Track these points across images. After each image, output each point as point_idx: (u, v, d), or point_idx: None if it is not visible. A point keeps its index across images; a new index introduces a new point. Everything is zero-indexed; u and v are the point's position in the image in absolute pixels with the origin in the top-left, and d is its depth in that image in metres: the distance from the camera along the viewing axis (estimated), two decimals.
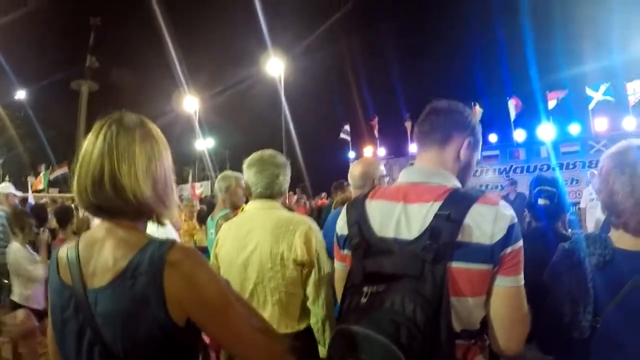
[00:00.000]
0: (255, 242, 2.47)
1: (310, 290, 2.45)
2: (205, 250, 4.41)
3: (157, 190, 1.35)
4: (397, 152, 20.52)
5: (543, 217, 2.91)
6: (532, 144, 16.56)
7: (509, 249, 1.40)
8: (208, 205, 8.19)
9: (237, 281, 2.50)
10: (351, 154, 21.38)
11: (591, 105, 15.54)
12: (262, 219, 2.55)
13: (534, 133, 16.56)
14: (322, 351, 2.46)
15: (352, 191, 3.24)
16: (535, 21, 27.19)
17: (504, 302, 1.43)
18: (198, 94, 27.87)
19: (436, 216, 1.41)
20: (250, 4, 22.32)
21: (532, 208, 3.00)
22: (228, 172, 4.50)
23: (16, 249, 4.75)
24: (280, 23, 25.77)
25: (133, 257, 1.25)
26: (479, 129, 1.72)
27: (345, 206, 1.72)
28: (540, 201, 2.91)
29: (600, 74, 17.41)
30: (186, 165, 33.61)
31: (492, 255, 1.38)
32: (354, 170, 3.19)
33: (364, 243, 1.52)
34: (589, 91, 15.64)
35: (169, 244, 1.26)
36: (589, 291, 1.63)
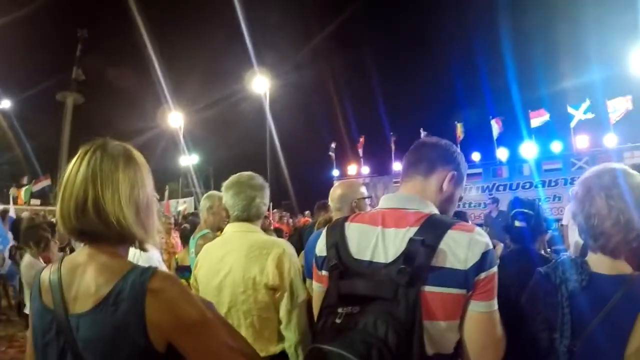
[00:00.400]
0: (229, 266, 2.46)
1: (282, 314, 2.41)
2: (188, 269, 4.38)
3: (139, 217, 1.38)
4: (381, 170, 20.58)
5: (520, 239, 2.91)
6: (514, 161, 16.69)
7: (483, 275, 1.41)
8: (191, 224, 8.12)
9: None
10: (335, 172, 21.36)
11: (573, 123, 15.72)
12: (237, 242, 2.54)
13: (517, 151, 16.71)
14: None
15: (332, 213, 3.20)
16: (517, 41, 27.56)
17: (477, 327, 1.44)
18: (183, 109, 27.78)
19: (411, 241, 1.43)
20: (236, 22, 22.34)
21: (510, 230, 2.98)
22: (213, 192, 4.46)
23: (28, 263, 4.79)
24: (265, 41, 25.95)
25: (115, 284, 1.26)
26: (464, 166, 1.77)
27: (325, 228, 1.75)
28: (517, 223, 2.91)
29: (581, 92, 17.66)
30: (170, 182, 33.40)
31: (466, 280, 1.40)
32: (333, 193, 3.18)
33: (340, 265, 1.53)
34: (570, 109, 15.83)
35: (150, 271, 1.28)
36: (565, 317, 1.62)
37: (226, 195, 2.67)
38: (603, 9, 21.27)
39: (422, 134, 19.02)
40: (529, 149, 16.16)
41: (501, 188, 16.51)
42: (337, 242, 1.60)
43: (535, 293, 1.79)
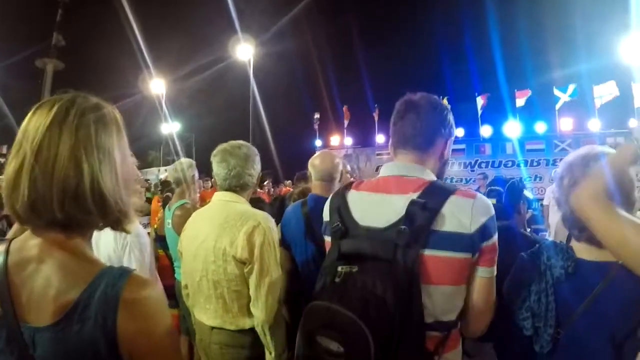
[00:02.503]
0: (205, 234, 2.42)
1: (251, 290, 2.31)
2: (164, 239, 4.30)
3: (128, 195, 1.13)
4: (364, 142, 20.46)
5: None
6: (498, 139, 16.75)
7: (489, 241, 1.43)
8: (173, 193, 8.01)
9: (187, 271, 2.54)
10: (318, 142, 21.20)
11: (558, 105, 15.74)
12: (216, 210, 2.51)
13: (501, 129, 16.78)
14: (269, 357, 2.37)
15: (313, 182, 3.12)
16: (507, 20, 27.45)
17: (480, 292, 1.48)
18: (165, 76, 27.24)
19: (412, 203, 1.43)
20: None
21: None
22: (178, 163, 4.30)
23: None
24: (249, 8, 25.33)
25: (81, 293, 1.01)
26: (453, 123, 1.73)
27: (330, 196, 1.74)
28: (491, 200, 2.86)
29: (567, 75, 17.71)
30: (151, 149, 33.03)
31: (472, 244, 1.41)
32: (315, 162, 3.09)
33: (342, 226, 1.54)
34: (556, 91, 15.83)
35: (125, 277, 1.03)
36: (549, 305, 1.59)
37: (213, 162, 2.61)
38: None
39: None
40: (512, 128, 16.25)
41: (483, 165, 16.59)
42: (340, 207, 1.60)
43: (519, 279, 1.74)
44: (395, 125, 1.69)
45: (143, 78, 27.28)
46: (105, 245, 2.57)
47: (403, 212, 1.43)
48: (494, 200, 2.82)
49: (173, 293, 3.78)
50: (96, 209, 1.04)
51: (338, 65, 32.31)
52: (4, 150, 28.75)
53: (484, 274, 1.46)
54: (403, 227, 1.38)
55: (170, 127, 29.70)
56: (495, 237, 1.45)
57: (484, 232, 1.41)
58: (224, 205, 2.51)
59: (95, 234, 1.14)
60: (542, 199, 10.98)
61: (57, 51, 32.63)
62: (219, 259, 2.33)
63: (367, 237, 1.47)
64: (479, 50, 23.84)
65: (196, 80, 28.96)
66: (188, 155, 29.35)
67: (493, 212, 1.46)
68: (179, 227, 3.48)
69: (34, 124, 1.03)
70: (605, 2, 18.97)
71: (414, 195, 1.47)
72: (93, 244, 1.17)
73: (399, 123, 1.67)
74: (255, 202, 6.02)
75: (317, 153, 3.23)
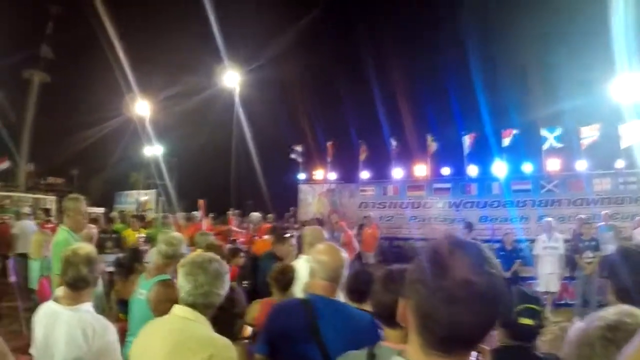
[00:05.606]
0: (153, 355, 2.19)
1: None
2: (126, 304, 4.00)
3: None
4: (348, 177, 20.10)
5: (523, 338, 2.56)
6: (484, 179, 16.55)
7: None
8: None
9: None
10: (301, 176, 20.81)
11: (545, 146, 15.63)
12: (172, 329, 2.25)
13: (487, 169, 16.63)
14: None
15: (316, 281, 2.75)
16: (495, 62, 27.75)
17: None
18: (150, 99, 26.95)
19: None
20: (206, 15, 21.80)
21: (512, 326, 2.55)
22: (173, 238, 3.96)
23: None
24: (236, 34, 25.18)
25: None
26: None
27: None
28: (523, 320, 2.53)
29: (555, 115, 17.72)
30: (133, 171, 32.53)
31: None
32: (323, 259, 2.76)
33: None
34: (543, 132, 15.76)
35: None
36: None
37: (179, 273, 2.39)
38: (578, 36, 21.45)
39: (393, 144, 18.77)
40: (499, 168, 16.10)
41: (469, 205, 16.37)
42: None
43: None
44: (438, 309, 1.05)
45: (128, 99, 27.05)
46: None
47: None
48: (530, 321, 2.50)
49: None
50: None
51: (322, 98, 32.22)
52: None
53: None
54: None
55: (154, 150, 29.29)
56: None
57: None
58: (182, 324, 2.25)
59: None
60: (528, 240, 10.90)
61: (45, 64, 32.48)
62: None
63: None
64: (465, 91, 23.86)
65: (181, 104, 28.79)
66: (170, 178, 29.03)
67: None
68: (156, 305, 3.25)
69: None
70: (592, 43, 19.18)
71: None
72: None
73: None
74: (233, 253, 5.70)
75: (322, 246, 2.91)
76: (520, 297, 2.61)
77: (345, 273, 2.79)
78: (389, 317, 1.83)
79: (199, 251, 3.41)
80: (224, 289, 2.40)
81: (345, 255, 2.84)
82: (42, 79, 33.11)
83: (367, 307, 3.29)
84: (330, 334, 2.47)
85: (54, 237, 4.76)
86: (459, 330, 1.02)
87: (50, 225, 11.15)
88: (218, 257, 2.47)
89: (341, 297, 2.86)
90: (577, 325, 1.39)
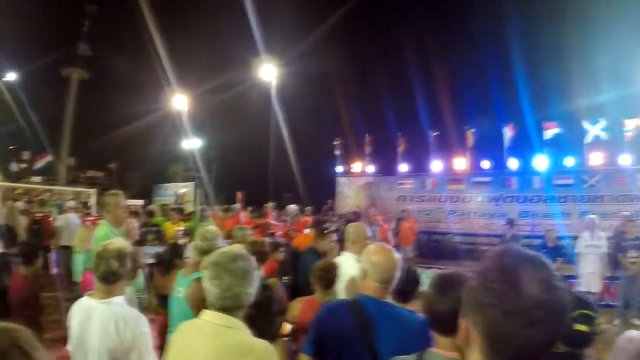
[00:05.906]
0: None
1: None
2: (166, 299, 4.09)
3: None
4: (386, 170, 19.97)
5: (576, 344, 2.56)
6: (525, 173, 16.19)
7: None
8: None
9: None
10: (339, 168, 20.82)
11: (587, 139, 15.27)
12: (207, 340, 2.11)
13: (528, 162, 16.24)
14: None
15: (367, 282, 2.68)
16: (535, 52, 27.10)
17: None
18: (188, 92, 27.28)
19: None
20: (245, 7, 21.91)
21: (567, 332, 2.51)
22: (208, 232, 4.01)
23: None
24: (274, 28, 25.25)
25: None
26: None
27: None
28: (579, 327, 2.56)
29: (598, 108, 17.25)
30: (172, 164, 33.02)
31: None
32: (375, 259, 2.69)
33: None
34: (586, 125, 15.38)
35: None
36: None
37: (204, 277, 2.23)
38: (622, 25, 20.77)
39: (432, 136, 18.62)
40: (541, 161, 15.75)
41: (509, 200, 16.11)
42: None
43: None
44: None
45: (166, 93, 27.46)
46: None
47: None
48: (585, 327, 2.52)
49: None
50: None
51: (361, 91, 32.03)
52: (26, 157, 29.09)
53: None
54: None
55: (192, 143, 29.74)
56: None
57: None
58: (217, 332, 2.11)
59: None
60: (572, 237, 10.64)
61: (83, 61, 33.20)
62: None
63: None
64: (505, 83, 23.34)
65: (219, 97, 29.00)
66: (208, 171, 29.44)
67: None
68: (194, 302, 3.29)
69: None
70: (637, 32, 18.55)
71: None
72: None
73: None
74: (273, 247, 5.73)
75: (375, 247, 2.82)
76: (575, 303, 2.59)
77: (398, 275, 2.68)
78: (442, 324, 1.82)
79: (236, 245, 3.27)
80: (253, 287, 2.23)
81: (398, 256, 2.73)
82: (80, 76, 33.84)
83: (411, 306, 3.32)
84: (381, 336, 2.44)
85: (95, 232, 4.87)
86: (532, 349, 1.04)
87: (90, 218, 11.51)
88: (244, 252, 2.31)
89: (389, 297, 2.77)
90: (632, 335, 1.45)
